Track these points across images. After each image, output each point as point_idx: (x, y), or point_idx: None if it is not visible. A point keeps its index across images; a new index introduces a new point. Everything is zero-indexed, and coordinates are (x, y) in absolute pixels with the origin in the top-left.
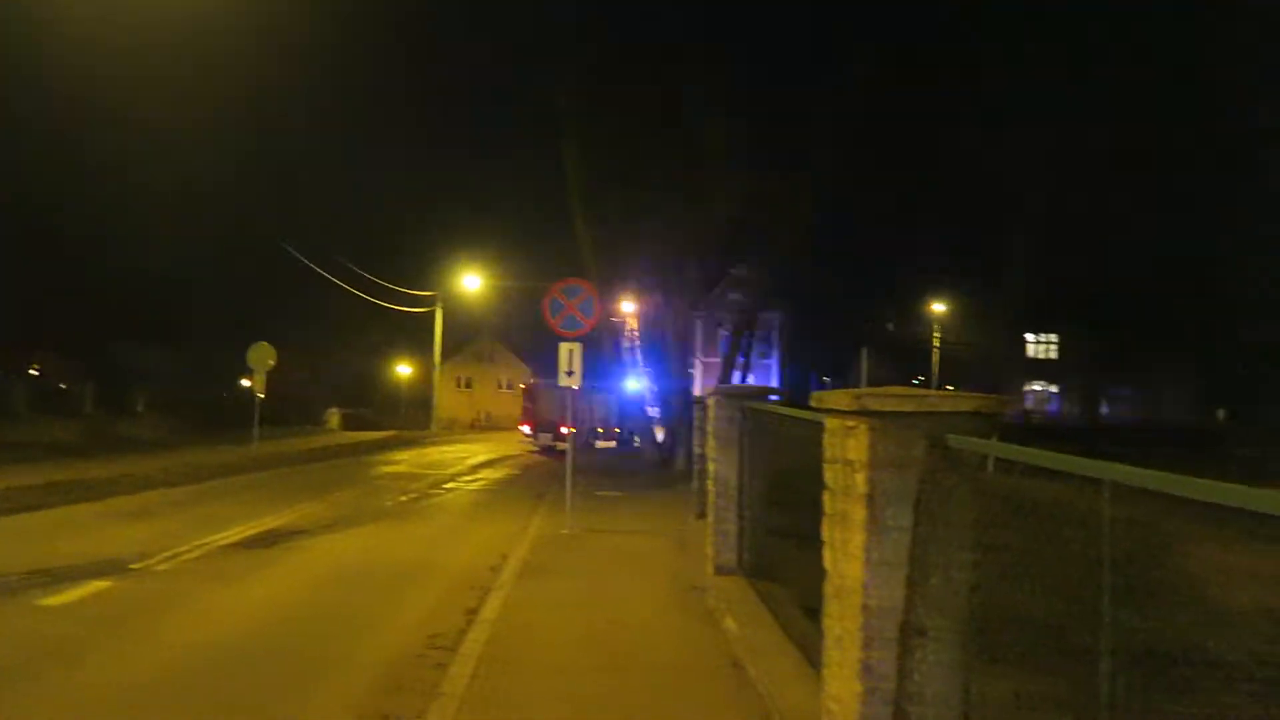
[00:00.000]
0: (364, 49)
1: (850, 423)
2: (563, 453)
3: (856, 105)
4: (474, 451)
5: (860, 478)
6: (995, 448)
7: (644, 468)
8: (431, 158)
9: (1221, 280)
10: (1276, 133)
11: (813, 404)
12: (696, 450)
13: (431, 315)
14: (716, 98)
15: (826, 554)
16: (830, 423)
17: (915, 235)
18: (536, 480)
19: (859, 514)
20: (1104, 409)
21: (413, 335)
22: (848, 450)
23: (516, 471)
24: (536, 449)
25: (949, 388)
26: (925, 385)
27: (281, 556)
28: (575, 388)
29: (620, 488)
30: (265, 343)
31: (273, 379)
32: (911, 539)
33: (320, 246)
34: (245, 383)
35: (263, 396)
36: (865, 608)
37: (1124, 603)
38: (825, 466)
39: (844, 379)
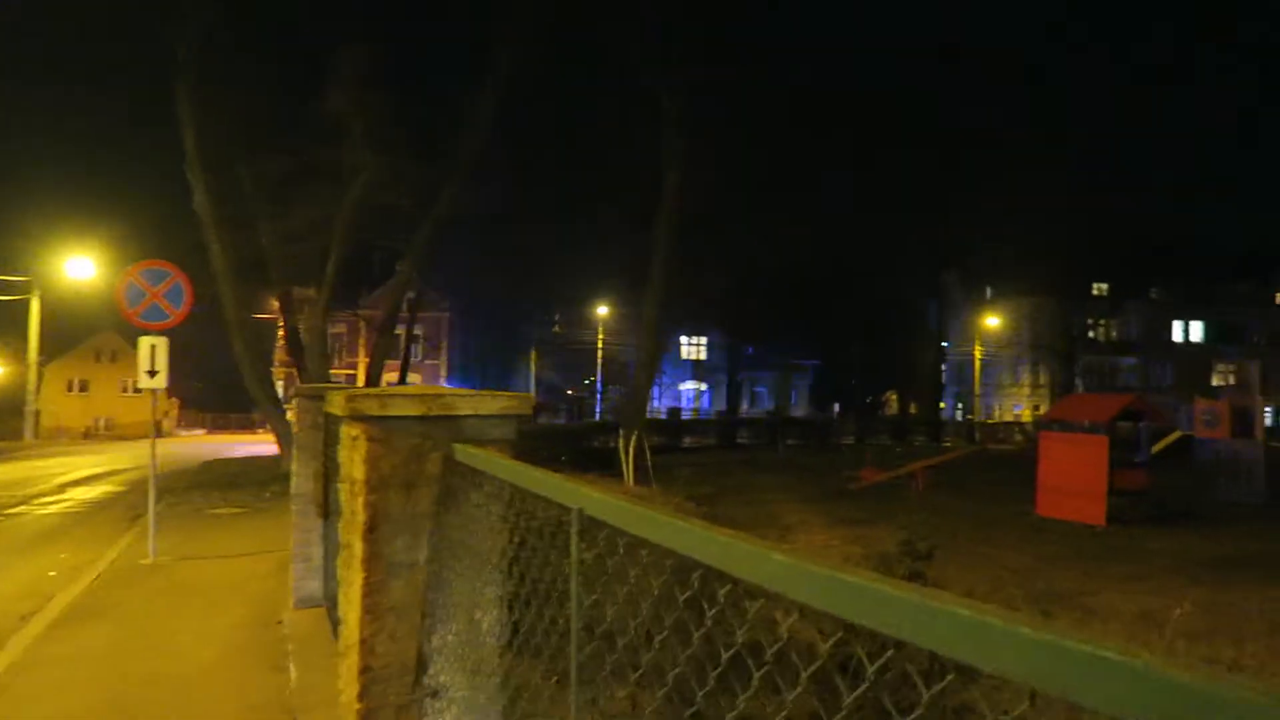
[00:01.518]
0: None
1: (353, 431)
2: None
3: (505, 91)
4: (75, 466)
5: (360, 502)
6: (492, 462)
7: (283, 478)
8: (28, 123)
9: (841, 294)
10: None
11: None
12: None
13: (27, 305)
14: (358, 70)
15: (341, 600)
16: (341, 431)
17: (579, 235)
18: (142, 499)
19: (359, 548)
20: (745, 404)
21: (4, 329)
22: (352, 467)
23: (121, 488)
24: None
25: (615, 386)
26: (591, 385)
27: None
28: (161, 389)
29: (244, 503)
30: None
31: None
32: (426, 578)
33: None
34: None
35: None
36: (367, 670)
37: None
38: (339, 487)
39: (506, 381)
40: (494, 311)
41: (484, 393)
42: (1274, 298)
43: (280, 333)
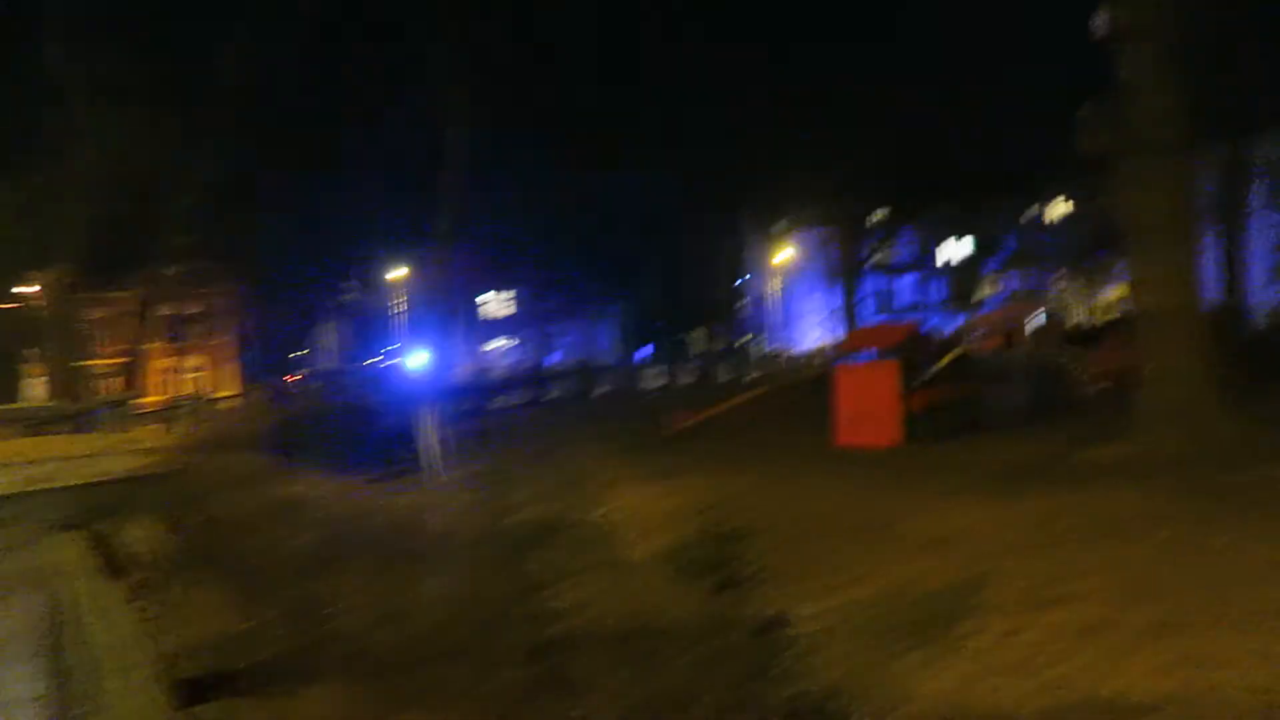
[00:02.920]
0: None
1: None
2: None
3: (258, 39)
4: None
5: None
6: None
7: None
8: None
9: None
10: None
11: None
12: None
13: None
14: (74, 17)
15: None
16: None
17: (368, 195)
18: None
19: None
20: (555, 355)
21: None
22: None
23: None
24: None
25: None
26: (395, 352)
27: None
28: None
29: None
30: None
31: None
32: None
33: None
34: None
35: None
36: None
37: None
38: None
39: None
40: (286, 281)
41: None
42: (1032, 211)
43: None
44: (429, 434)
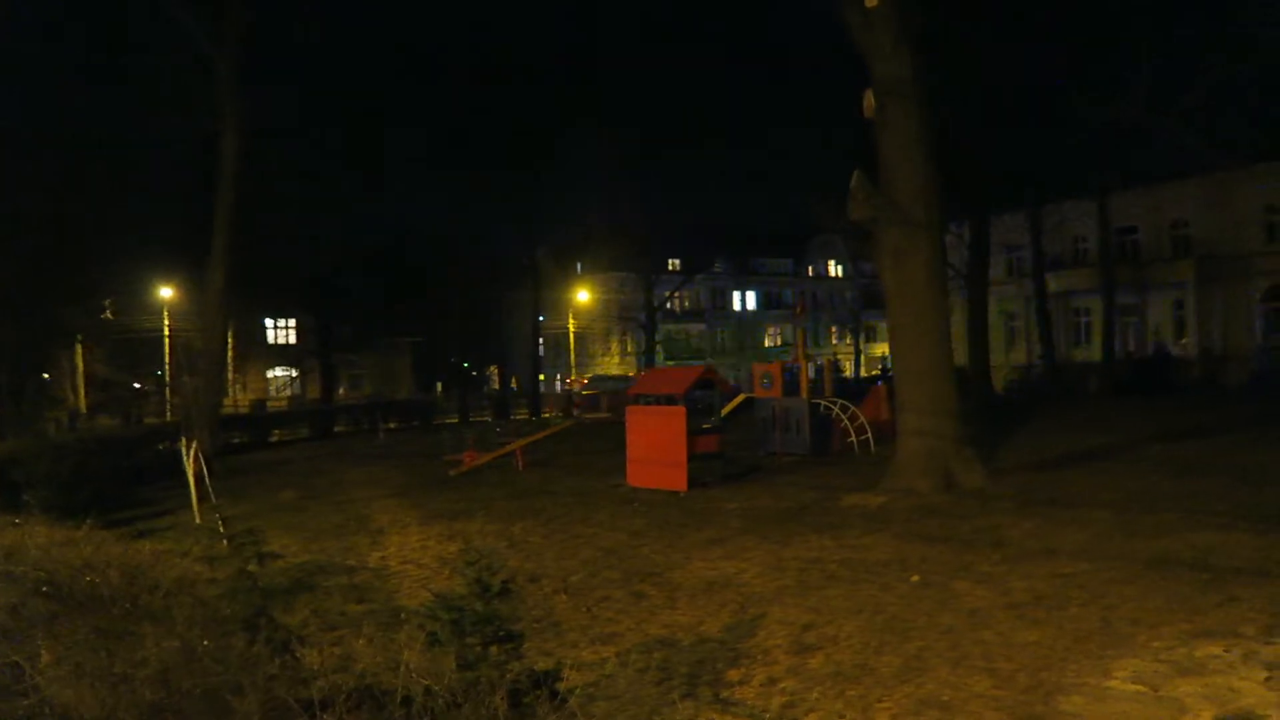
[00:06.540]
0: None
1: None
2: None
3: None
4: None
5: None
6: None
7: None
8: None
9: (438, 271)
10: None
11: None
12: None
13: None
14: None
15: None
16: None
17: (131, 206)
18: None
19: None
20: (345, 388)
21: None
22: None
23: None
24: None
25: (186, 378)
26: (161, 379)
27: None
28: None
29: None
30: None
31: None
32: None
33: None
34: None
35: None
36: None
37: None
38: None
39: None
40: (23, 295)
41: None
42: (807, 271)
43: None
44: (187, 471)
